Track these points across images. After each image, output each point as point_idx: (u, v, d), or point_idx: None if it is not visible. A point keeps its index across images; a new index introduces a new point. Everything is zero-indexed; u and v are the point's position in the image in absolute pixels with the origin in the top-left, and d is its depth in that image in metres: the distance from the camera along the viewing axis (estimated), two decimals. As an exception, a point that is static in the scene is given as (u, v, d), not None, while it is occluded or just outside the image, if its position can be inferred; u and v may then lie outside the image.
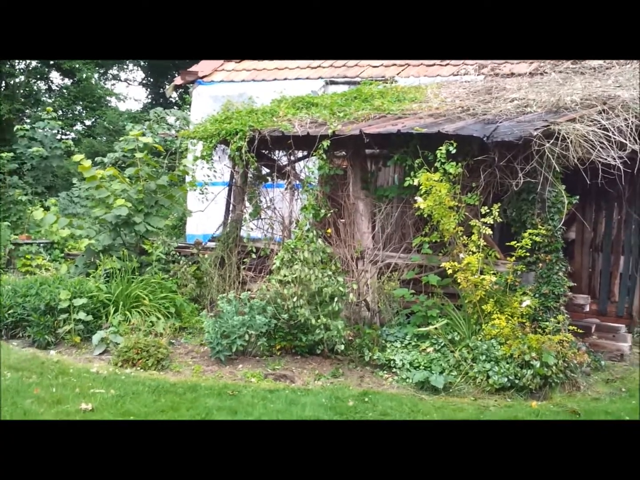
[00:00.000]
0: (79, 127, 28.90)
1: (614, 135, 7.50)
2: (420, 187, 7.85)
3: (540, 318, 7.66)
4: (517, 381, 7.04)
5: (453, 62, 12.30)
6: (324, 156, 8.74)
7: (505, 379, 7.05)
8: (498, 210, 7.75)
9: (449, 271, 7.76)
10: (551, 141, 7.28)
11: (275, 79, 13.45)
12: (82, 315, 8.44)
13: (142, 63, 32.65)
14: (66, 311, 8.45)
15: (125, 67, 33.30)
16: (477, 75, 11.52)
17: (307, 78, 13.19)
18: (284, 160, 10.16)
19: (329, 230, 8.89)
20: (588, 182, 7.58)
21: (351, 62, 13.27)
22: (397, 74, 12.39)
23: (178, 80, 14.79)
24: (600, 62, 10.49)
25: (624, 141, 7.55)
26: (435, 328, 7.73)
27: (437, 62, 12.45)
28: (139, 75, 35.09)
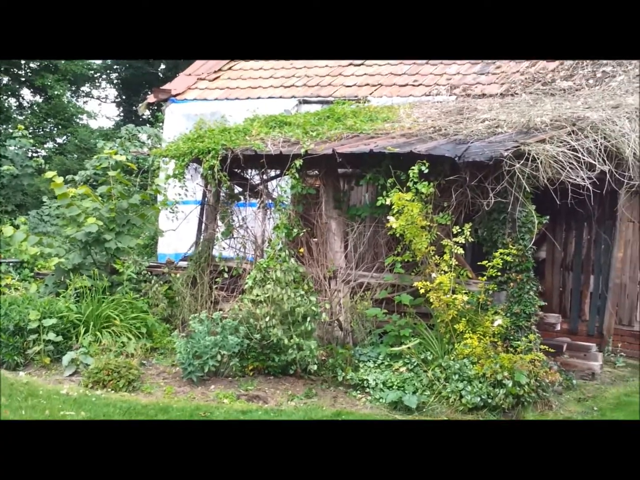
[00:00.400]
0: (50, 144, 28.66)
1: (583, 156, 7.60)
2: (393, 207, 7.87)
3: (511, 337, 7.69)
4: (489, 400, 7.04)
5: (425, 82, 12.42)
6: (297, 175, 8.75)
7: (478, 399, 7.05)
8: (469, 229, 7.80)
9: (422, 291, 7.77)
10: (521, 162, 7.35)
11: (248, 98, 13.48)
12: (51, 335, 8.31)
13: (114, 81, 32.56)
14: (36, 332, 8.31)
15: (97, 84, 33.18)
16: (449, 95, 11.65)
17: (280, 97, 13.24)
18: (257, 179, 10.14)
19: (302, 250, 8.88)
20: (558, 203, 7.66)
21: (324, 82, 13.35)
22: (370, 94, 12.48)
23: (151, 98, 14.77)
24: (570, 83, 10.68)
25: (593, 162, 7.66)
26: (408, 348, 7.73)
27: (410, 82, 12.56)
28: (112, 92, 35.02)
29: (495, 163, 7.38)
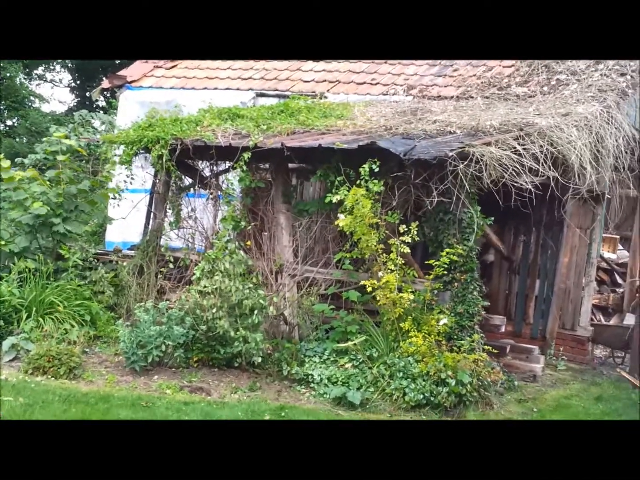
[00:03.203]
0: (-1, 126, 28.04)
1: (527, 160, 7.72)
2: (345, 203, 7.88)
3: (455, 337, 7.77)
4: (432, 399, 7.10)
5: (383, 81, 12.47)
6: (244, 168, 8.73)
7: (421, 396, 7.11)
8: (416, 229, 7.84)
9: (369, 289, 7.80)
10: (465, 162, 7.43)
11: (205, 88, 13.34)
12: (-8, 320, 8.14)
13: (69, 65, 31.94)
14: (-25, 316, 8.14)
15: (51, 67, 32.50)
16: (406, 95, 11.72)
17: (238, 89, 13.14)
18: (208, 171, 10.07)
19: (249, 243, 8.85)
20: (501, 205, 7.77)
21: (282, 76, 13.30)
22: (328, 90, 12.47)
23: (106, 84, 14.49)
24: (525, 89, 10.83)
25: (537, 167, 7.78)
26: (354, 344, 7.76)
27: (368, 80, 12.59)
28: (66, 77, 34.31)
29: (440, 162, 7.45)
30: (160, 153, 9.01)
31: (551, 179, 8.06)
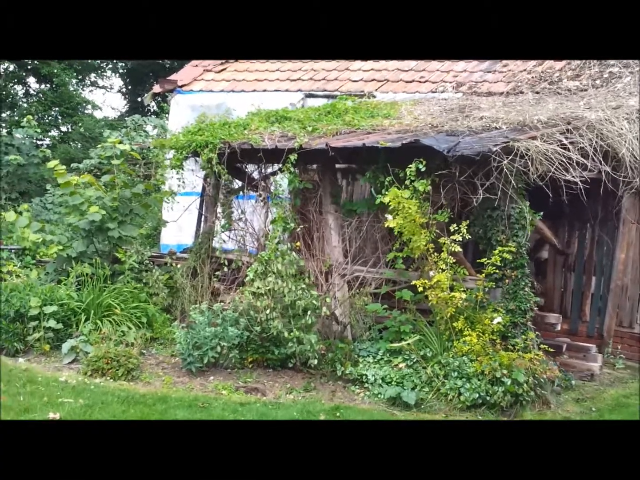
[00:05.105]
0: (54, 132, 28.65)
1: (575, 154, 7.58)
2: (390, 205, 7.86)
3: (509, 335, 7.69)
4: (488, 398, 7.04)
5: (432, 79, 12.40)
6: (292, 169, 8.78)
7: (477, 396, 7.05)
8: (466, 227, 7.77)
9: (420, 289, 7.77)
10: (510, 157, 7.33)
11: (254, 90, 13.46)
12: (52, 323, 8.34)
13: (120, 70, 32.51)
14: (36, 319, 8.34)
15: (103, 74, 33.13)
16: (455, 93, 11.62)
17: (287, 90, 13.21)
18: (257, 173, 10.17)
19: (298, 244, 8.89)
20: (550, 200, 7.64)
21: (331, 76, 13.33)
22: (376, 89, 12.46)
23: (157, 89, 14.71)
24: (577, 83, 10.65)
25: (585, 161, 7.64)
26: (408, 344, 7.73)
27: (416, 78, 12.54)
28: (117, 82, 34.95)
29: (484, 158, 7.35)
30: (209, 157, 9.13)
31: (603, 172, 7.90)
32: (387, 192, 8.01)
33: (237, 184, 10.20)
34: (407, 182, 7.87)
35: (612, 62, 10.98)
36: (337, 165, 9.48)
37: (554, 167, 7.39)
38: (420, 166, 7.78)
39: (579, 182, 7.43)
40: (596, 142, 7.93)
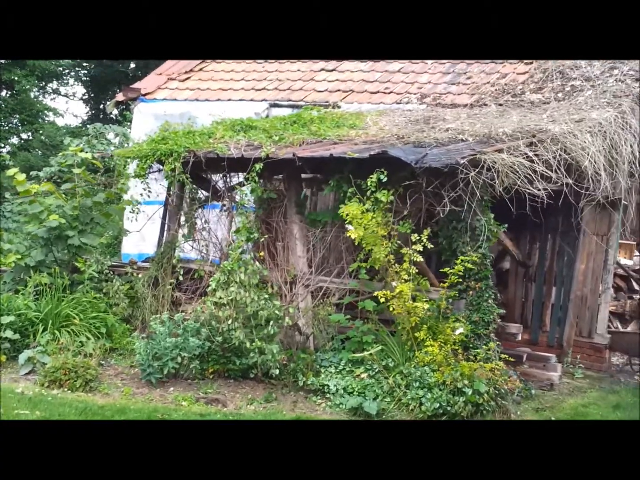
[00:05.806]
0: (14, 140, 28.24)
1: (540, 166, 7.67)
2: (347, 218, 7.87)
3: (471, 345, 7.73)
4: (449, 408, 7.05)
5: (396, 90, 12.47)
6: (256, 179, 8.75)
7: (438, 406, 7.05)
8: (427, 236, 7.77)
9: (382, 300, 7.77)
10: (477, 170, 7.39)
11: (219, 99, 13.40)
12: (9, 333, 8.19)
13: (83, 78, 32.19)
14: (-8, 329, 8.17)
15: (65, 81, 32.77)
16: (420, 104, 11.71)
17: (251, 100, 13.19)
18: (222, 183, 10.10)
19: (262, 254, 8.85)
20: (514, 212, 7.73)
21: (296, 86, 13.34)
22: (341, 100, 12.49)
23: (120, 97, 14.59)
24: (539, 96, 10.79)
25: (549, 173, 7.74)
26: (370, 354, 7.72)
27: (381, 89, 12.60)
28: (80, 90, 34.57)
29: (451, 170, 7.42)
30: (173, 166, 9.06)
31: (564, 185, 8.01)
32: (349, 203, 8.02)
33: (202, 193, 10.13)
34: (368, 192, 7.88)
35: (574, 75, 11.14)
36: (303, 175, 9.47)
37: (520, 179, 7.48)
38: (382, 177, 7.80)
39: (543, 195, 7.52)
40: (560, 155, 8.04)
